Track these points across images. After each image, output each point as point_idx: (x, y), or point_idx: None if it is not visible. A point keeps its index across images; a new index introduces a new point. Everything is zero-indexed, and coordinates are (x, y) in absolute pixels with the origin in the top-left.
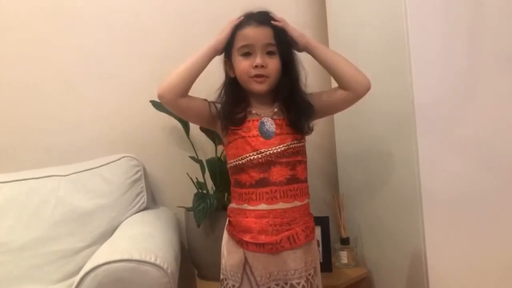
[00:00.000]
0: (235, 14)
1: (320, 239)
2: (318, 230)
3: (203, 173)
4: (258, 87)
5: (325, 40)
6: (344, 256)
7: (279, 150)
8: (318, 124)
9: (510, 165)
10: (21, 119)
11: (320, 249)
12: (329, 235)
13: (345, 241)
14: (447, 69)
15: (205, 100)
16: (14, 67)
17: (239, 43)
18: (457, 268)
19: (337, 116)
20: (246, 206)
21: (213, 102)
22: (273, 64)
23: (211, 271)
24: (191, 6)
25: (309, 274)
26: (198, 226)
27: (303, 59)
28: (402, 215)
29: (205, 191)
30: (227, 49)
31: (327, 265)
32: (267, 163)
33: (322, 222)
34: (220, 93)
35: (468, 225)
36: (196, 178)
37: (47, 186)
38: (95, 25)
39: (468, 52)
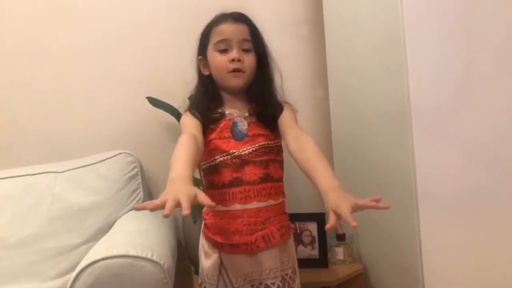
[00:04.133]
0: (232, 9)
1: (316, 235)
2: (314, 226)
3: (200, 170)
4: (235, 81)
5: (321, 37)
6: (340, 252)
7: (251, 150)
8: (314, 121)
9: (506, 163)
10: (17, 116)
11: (316, 245)
12: (325, 231)
13: (341, 237)
14: (444, 67)
15: (193, 119)
16: (10, 64)
17: (215, 38)
18: (453, 264)
19: (334, 114)
20: (220, 207)
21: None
22: (249, 60)
23: None
24: (189, 2)
25: (286, 274)
26: (195, 222)
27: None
28: (398, 212)
29: (201, 188)
30: (201, 46)
31: (323, 261)
32: (240, 162)
33: (318, 218)
34: (195, 94)
35: (464, 222)
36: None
37: (43, 183)
38: (92, 22)
39: (465, 51)
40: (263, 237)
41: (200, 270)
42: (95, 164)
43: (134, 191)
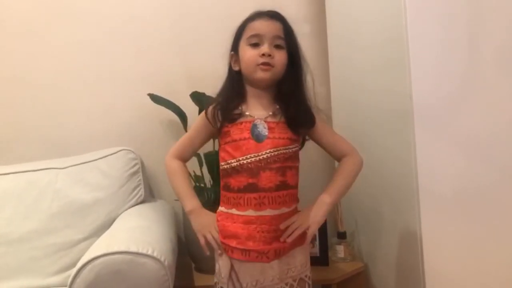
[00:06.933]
0: (234, 8)
1: (317, 233)
2: None
3: (201, 166)
4: (262, 74)
5: (323, 33)
6: (341, 250)
7: (269, 155)
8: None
9: (507, 161)
10: (19, 113)
11: (317, 243)
12: (326, 229)
13: (342, 235)
14: (446, 64)
15: (204, 127)
16: (12, 61)
17: (248, 33)
18: (453, 262)
19: (335, 110)
20: (234, 211)
21: (211, 108)
22: (279, 56)
23: (208, 264)
24: (191, 0)
25: (306, 276)
26: None
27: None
28: (399, 210)
29: (202, 185)
30: (235, 42)
31: (323, 259)
32: (256, 168)
33: None
34: (221, 87)
35: (465, 220)
36: (194, 172)
37: (45, 179)
38: (94, 18)
39: (468, 48)
40: (275, 251)
41: (216, 270)
42: (96, 160)
43: (135, 188)
